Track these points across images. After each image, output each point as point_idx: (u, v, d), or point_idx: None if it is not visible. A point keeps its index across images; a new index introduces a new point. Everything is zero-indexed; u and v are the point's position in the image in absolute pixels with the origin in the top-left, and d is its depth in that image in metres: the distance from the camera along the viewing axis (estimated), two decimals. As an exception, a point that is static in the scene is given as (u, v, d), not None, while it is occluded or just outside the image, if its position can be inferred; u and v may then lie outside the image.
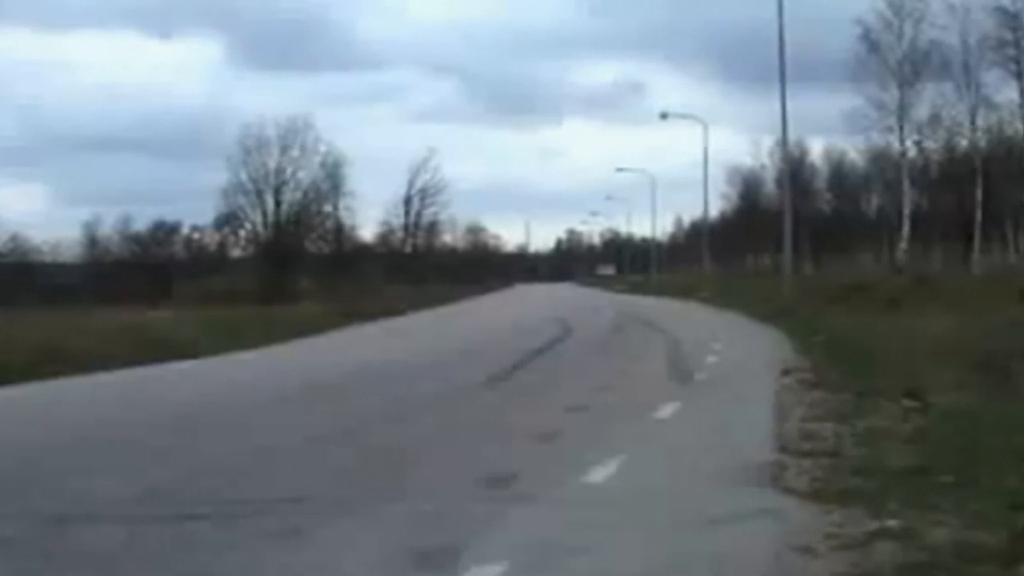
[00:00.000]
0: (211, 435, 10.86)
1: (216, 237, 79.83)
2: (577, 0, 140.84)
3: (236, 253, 79.39)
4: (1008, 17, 46.46)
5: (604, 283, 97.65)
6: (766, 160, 76.12)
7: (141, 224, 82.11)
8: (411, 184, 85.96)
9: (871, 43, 50.38)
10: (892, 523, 6.04)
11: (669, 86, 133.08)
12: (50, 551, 6.05)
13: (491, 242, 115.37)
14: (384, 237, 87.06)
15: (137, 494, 7.54)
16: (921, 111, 51.36)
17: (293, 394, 14.90)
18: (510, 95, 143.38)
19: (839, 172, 75.12)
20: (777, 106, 37.40)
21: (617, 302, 55.02)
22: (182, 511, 6.89)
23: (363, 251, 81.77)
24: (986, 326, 17.65)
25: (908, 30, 50.03)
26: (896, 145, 52.22)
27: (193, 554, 5.89)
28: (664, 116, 60.69)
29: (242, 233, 76.56)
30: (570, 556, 5.72)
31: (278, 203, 74.53)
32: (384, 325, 37.01)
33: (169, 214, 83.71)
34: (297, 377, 17.84)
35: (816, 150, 76.54)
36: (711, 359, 18.35)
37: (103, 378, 17.63)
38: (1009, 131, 51.90)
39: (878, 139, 53.76)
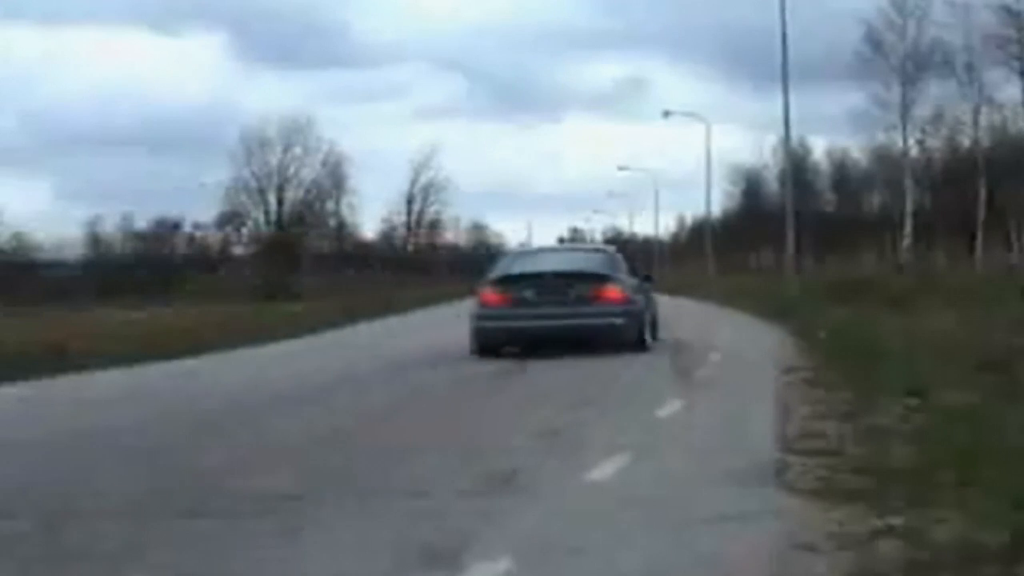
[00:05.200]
0: (212, 433, 10.85)
1: (219, 235, 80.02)
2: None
3: (238, 251, 79.63)
4: (1011, 15, 46.61)
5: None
6: (768, 159, 76.27)
7: (143, 222, 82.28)
8: (413, 182, 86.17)
9: (874, 41, 50.65)
10: (895, 522, 6.02)
11: (672, 84, 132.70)
12: (50, 549, 6.04)
13: (493, 240, 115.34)
14: (386, 235, 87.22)
15: (137, 492, 7.54)
16: (924, 109, 51.66)
17: (295, 391, 14.89)
18: (513, 93, 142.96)
19: (842, 171, 75.27)
20: (780, 104, 37.41)
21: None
22: (183, 509, 6.89)
23: (365, 249, 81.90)
24: (990, 325, 17.64)
25: (911, 28, 50.28)
26: (899, 143, 52.43)
27: (194, 552, 5.89)
28: (667, 114, 60.83)
29: (244, 231, 76.81)
30: (570, 554, 5.70)
31: (280, 201, 74.76)
32: (386, 323, 37.01)
33: (171, 212, 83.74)
34: (298, 374, 17.84)
35: (819, 149, 76.68)
36: (713, 356, 18.32)
37: (105, 376, 17.63)
38: (1012, 129, 52.14)
39: (881, 137, 53.99)
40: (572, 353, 16.93)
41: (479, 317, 18.09)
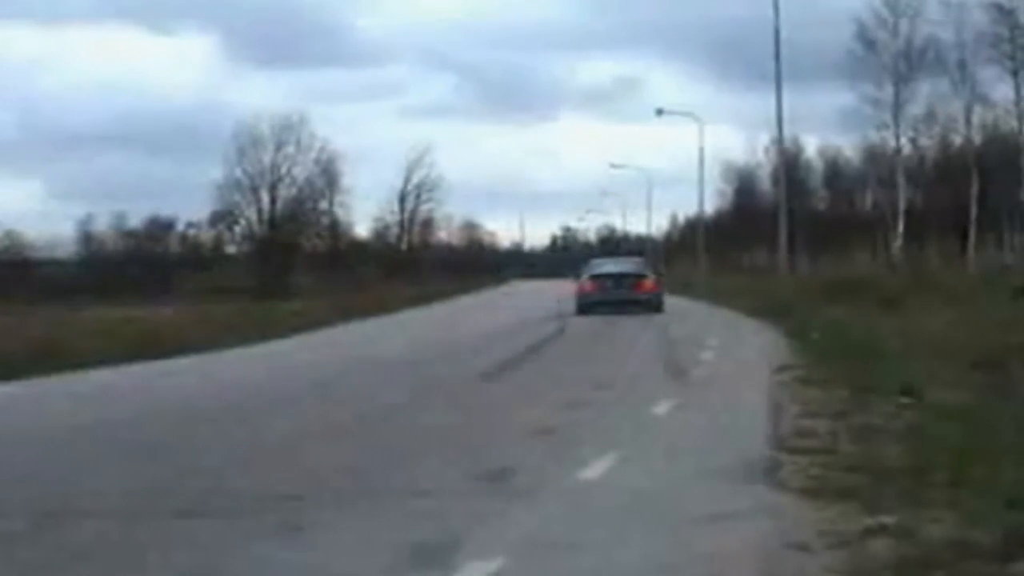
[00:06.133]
0: (209, 431, 10.88)
1: (211, 234, 79.77)
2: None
3: (231, 250, 79.42)
4: (1003, 13, 46.60)
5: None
6: (761, 157, 76.15)
7: (136, 220, 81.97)
8: (406, 180, 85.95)
9: (867, 40, 50.57)
10: (888, 520, 6.05)
11: (665, 83, 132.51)
12: (47, 547, 6.06)
13: (486, 238, 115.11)
14: (379, 234, 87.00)
15: (135, 491, 7.56)
16: (916, 108, 51.54)
17: (290, 390, 14.91)
18: (507, 91, 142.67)
19: (834, 169, 75.12)
20: (772, 103, 37.42)
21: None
22: (181, 508, 6.91)
23: (358, 248, 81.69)
24: (982, 323, 17.69)
25: (904, 27, 50.20)
26: (891, 142, 52.35)
27: (192, 551, 5.92)
28: (660, 113, 60.69)
29: (237, 229, 76.61)
30: (566, 552, 5.74)
31: (273, 200, 74.56)
32: (379, 322, 37.00)
33: (164, 210, 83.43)
34: (294, 373, 17.86)
35: (811, 147, 76.49)
36: (707, 355, 18.37)
37: (101, 375, 17.59)
38: (1004, 128, 52.03)
39: (873, 136, 53.93)
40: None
41: (580, 296, 33.51)
